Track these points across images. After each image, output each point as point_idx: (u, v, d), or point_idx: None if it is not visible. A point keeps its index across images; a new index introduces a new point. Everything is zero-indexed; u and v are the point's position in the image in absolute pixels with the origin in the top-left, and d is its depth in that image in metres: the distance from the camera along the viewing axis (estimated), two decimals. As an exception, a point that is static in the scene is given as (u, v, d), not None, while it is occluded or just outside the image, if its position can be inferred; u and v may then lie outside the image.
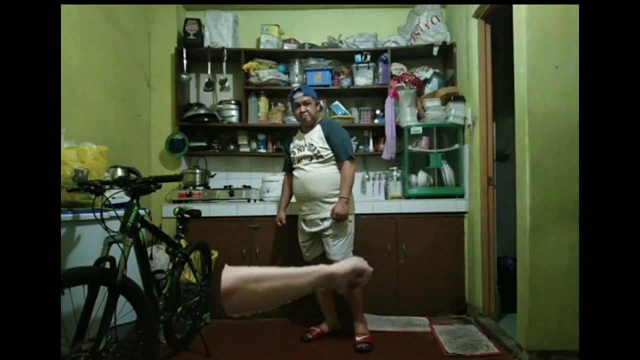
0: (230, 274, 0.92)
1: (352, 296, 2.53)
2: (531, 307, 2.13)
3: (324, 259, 2.54)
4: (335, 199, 2.47)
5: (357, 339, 2.49)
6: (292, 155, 2.65)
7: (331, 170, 2.53)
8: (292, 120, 3.29)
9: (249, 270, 0.95)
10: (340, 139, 2.54)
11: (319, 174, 2.51)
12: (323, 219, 2.50)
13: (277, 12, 3.68)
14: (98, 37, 2.59)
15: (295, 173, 2.62)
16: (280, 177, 3.29)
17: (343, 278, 1.01)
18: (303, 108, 2.55)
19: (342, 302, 2.65)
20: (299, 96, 2.55)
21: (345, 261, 1.03)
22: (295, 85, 2.70)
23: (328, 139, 2.52)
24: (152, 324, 1.84)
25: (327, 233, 2.50)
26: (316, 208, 2.52)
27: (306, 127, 2.61)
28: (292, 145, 2.68)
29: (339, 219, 2.44)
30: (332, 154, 2.53)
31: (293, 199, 2.73)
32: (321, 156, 2.52)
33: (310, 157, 2.54)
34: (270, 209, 3.05)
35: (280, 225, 2.75)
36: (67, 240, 1.83)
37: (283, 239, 2.97)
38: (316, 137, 2.55)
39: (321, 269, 0.98)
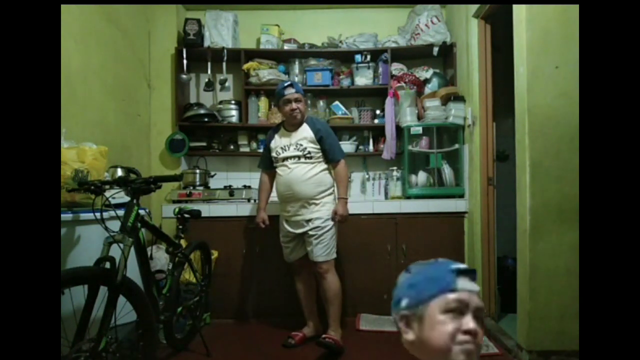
0: None
1: (332, 307, 2.47)
2: (531, 307, 2.13)
3: (307, 260, 2.51)
4: (323, 200, 2.46)
5: (324, 335, 2.39)
6: (275, 154, 2.53)
7: (319, 170, 2.47)
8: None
9: None
10: (333, 138, 2.53)
11: (306, 175, 2.43)
12: (308, 220, 2.44)
13: (277, 12, 3.69)
14: (98, 37, 2.59)
15: (279, 171, 2.51)
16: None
17: None
18: (295, 105, 2.43)
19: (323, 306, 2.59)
20: (290, 92, 2.43)
21: None
22: (285, 80, 2.66)
23: (320, 140, 2.45)
24: (152, 324, 1.84)
25: (311, 234, 2.43)
26: (302, 209, 2.45)
27: (292, 125, 2.50)
28: (274, 143, 2.55)
29: (342, 221, 2.48)
30: (321, 154, 2.49)
31: (273, 198, 2.68)
32: (311, 157, 2.45)
33: (298, 157, 2.46)
34: (270, 209, 3.04)
35: (263, 227, 2.64)
36: (67, 240, 1.83)
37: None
38: (305, 137, 2.47)
39: None
